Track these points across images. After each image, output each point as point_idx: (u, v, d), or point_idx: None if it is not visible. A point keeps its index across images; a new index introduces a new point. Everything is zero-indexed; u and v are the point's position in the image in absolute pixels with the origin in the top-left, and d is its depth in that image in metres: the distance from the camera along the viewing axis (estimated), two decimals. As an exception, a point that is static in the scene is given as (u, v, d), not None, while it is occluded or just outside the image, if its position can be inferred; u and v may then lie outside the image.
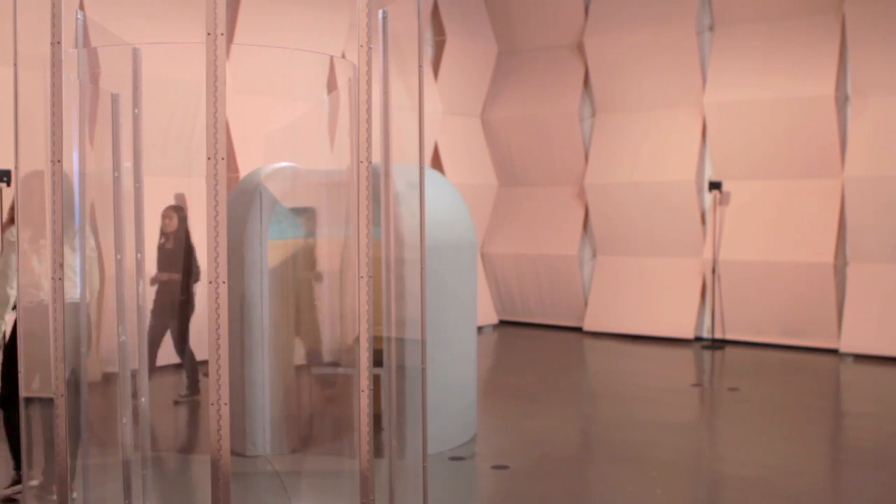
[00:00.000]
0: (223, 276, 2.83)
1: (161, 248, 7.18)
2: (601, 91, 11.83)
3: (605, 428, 6.93)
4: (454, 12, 12.30)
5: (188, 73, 8.51)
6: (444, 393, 5.93)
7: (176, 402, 7.39)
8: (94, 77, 4.22)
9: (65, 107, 3.16)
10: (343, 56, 10.46)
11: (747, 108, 10.53)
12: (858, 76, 9.91)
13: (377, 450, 4.96)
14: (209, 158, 2.81)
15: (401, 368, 5.53)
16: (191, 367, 7.49)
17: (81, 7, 8.23)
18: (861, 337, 9.65)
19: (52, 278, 3.15)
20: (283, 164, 6.03)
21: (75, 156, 3.84)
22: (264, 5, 9.69)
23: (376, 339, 3.99)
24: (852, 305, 9.79)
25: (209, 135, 2.81)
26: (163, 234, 7.21)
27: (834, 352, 9.86)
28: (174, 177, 8.75)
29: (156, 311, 7.24)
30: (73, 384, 3.92)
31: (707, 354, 10.12)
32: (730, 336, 10.63)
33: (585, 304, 11.89)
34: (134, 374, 4.24)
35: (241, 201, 5.90)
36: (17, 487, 4.90)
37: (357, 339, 3.45)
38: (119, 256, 4.18)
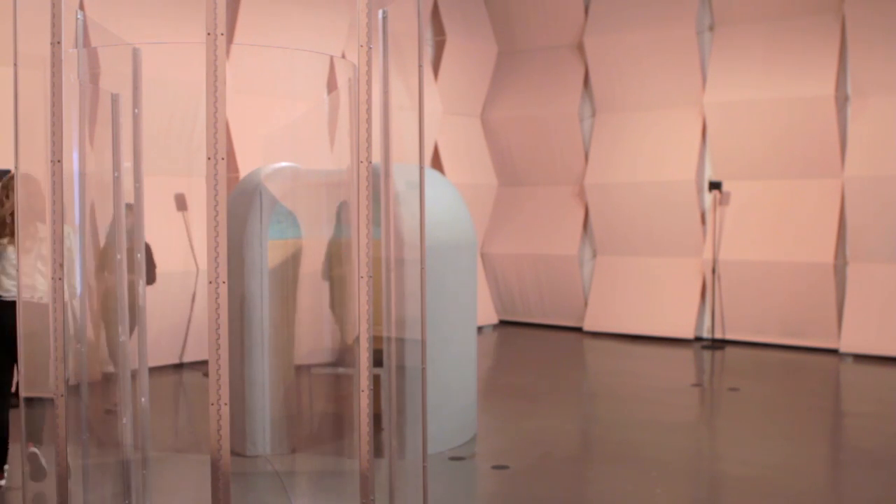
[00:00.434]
0: (223, 276, 2.83)
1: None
2: (601, 91, 11.83)
3: (605, 428, 6.93)
4: (454, 12, 12.30)
5: (188, 73, 8.51)
6: (444, 393, 5.93)
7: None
8: (94, 77, 4.22)
9: (65, 107, 3.16)
10: (343, 56, 10.46)
11: (747, 108, 10.53)
12: (858, 76, 9.91)
13: (377, 450, 4.96)
14: (209, 158, 2.81)
15: (401, 368, 5.53)
16: None
17: (81, 7, 8.23)
18: (861, 337, 9.65)
19: (52, 278, 3.15)
20: (283, 164, 6.03)
21: (75, 156, 3.84)
22: (264, 5, 9.70)
23: (376, 339, 3.98)
24: (852, 305, 9.79)
25: (209, 135, 2.81)
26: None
27: (834, 352, 9.86)
28: (174, 177, 8.75)
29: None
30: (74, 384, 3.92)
31: (707, 354, 10.12)
32: (730, 336, 10.63)
33: (585, 304, 11.89)
34: (134, 374, 4.24)
35: (241, 201, 5.90)
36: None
37: (357, 339, 3.45)
38: (119, 257, 4.18)
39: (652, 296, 11.25)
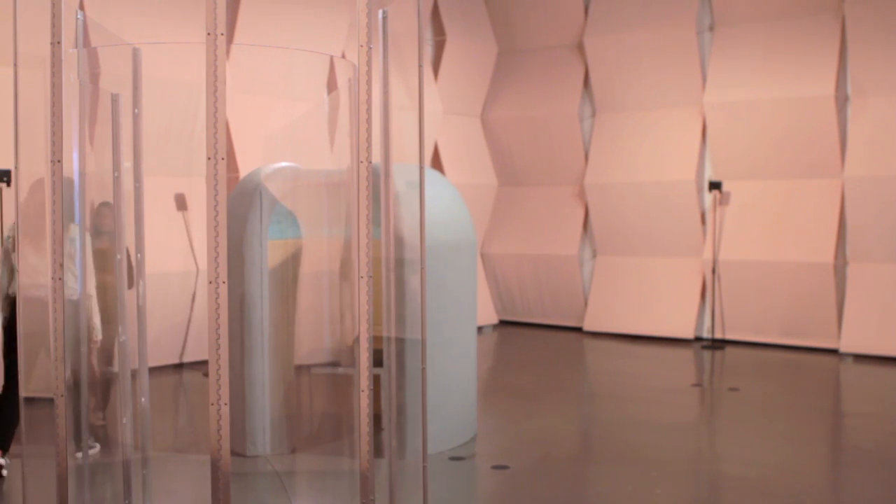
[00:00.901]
0: (223, 276, 2.83)
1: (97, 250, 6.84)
2: (601, 91, 11.84)
3: (605, 428, 6.93)
4: (454, 12, 12.30)
5: (188, 73, 8.52)
6: (444, 393, 5.93)
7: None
8: (94, 77, 4.22)
9: (65, 107, 3.16)
10: (343, 56, 10.46)
11: (747, 108, 10.53)
12: (858, 76, 9.90)
13: (377, 450, 4.96)
14: (209, 158, 2.81)
15: (401, 368, 5.54)
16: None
17: (81, 7, 8.23)
18: (861, 337, 9.65)
19: (52, 278, 3.15)
20: (283, 164, 6.03)
21: (75, 156, 3.84)
22: (264, 5, 9.69)
23: (376, 339, 3.99)
24: (852, 305, 9.80)
25: (209, 135, 2.81)
26: (98, 232, 6.90)
27: (834, 352, 9.86)
28: (174, 177, 8.75)
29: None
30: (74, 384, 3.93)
31: (707, 354, 10.12)
32: (730, 336, 10.63)
33: (585, 304, 11.89)
34: (134, 374, 4.24)
35: (241, 201, 5.90)
36: None
37: (357, 339, 3.45)
38: (119, 256, 4.19)
39: (652, 296, 11.25)
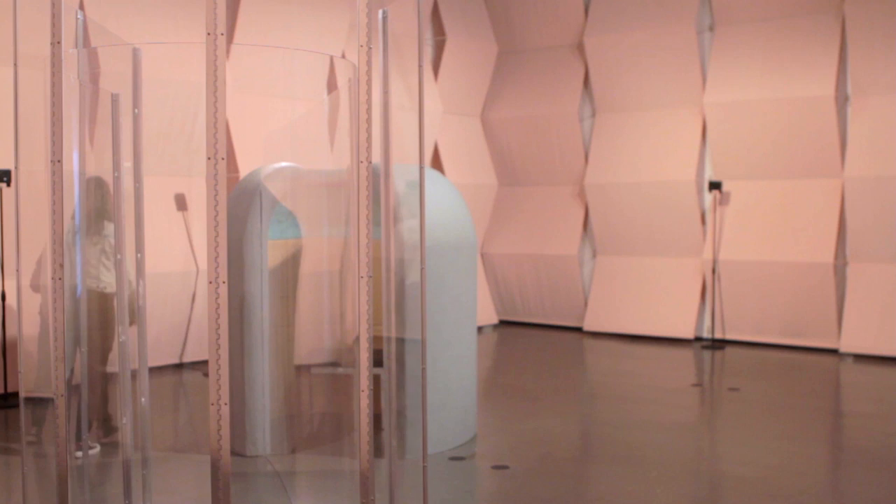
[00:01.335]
0: (223, 276, 2.83)
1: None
2: (601, 91, 11.84)
3: (605, 428, 6.93)
4: (454, 12, 12.30)
5: (188, 73, 8.52)
6: (444, 393, 5.93)
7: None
8: (94, 77, 4.22)
9: (65, 107, 3.16)
10: (343, 56, 10.46)
11: (747, 108, 10.53)
12: (858, 76, 9.91)
13: (377, 450, 4.96)
14: (209, 158, 2.81)
15: (401, 368, 5.54)
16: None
17: (81, 7, 8.23)
18: (861, 337, 9.65)
19: (52, 278, 3.15)
20: (283, 164, 6.03)
21: (75, 156, 3.84)
22: (264, 5, 9.69)
23: (376, 339, 3.99)
24: (852, 305, 9.80)
25: (209, 135, 2.81)
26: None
27: (834, 352, 9.86)
28: (174, 177, 8.75)
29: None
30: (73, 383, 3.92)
31: (707, 354, 10.12)
32: (730, 336, 10.63)
33: (585, 304, 11.89)
34: (134, 374, 4.24)
35: (241, 201, 5.90)
36: None
37: (357, 339, 3.45)
38: (119, 256, 4.19)
39: (652, 296, 11.25)
